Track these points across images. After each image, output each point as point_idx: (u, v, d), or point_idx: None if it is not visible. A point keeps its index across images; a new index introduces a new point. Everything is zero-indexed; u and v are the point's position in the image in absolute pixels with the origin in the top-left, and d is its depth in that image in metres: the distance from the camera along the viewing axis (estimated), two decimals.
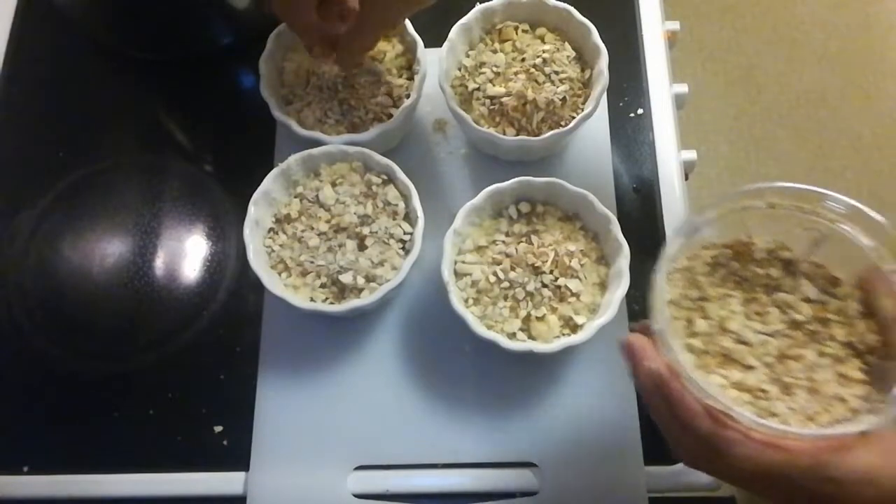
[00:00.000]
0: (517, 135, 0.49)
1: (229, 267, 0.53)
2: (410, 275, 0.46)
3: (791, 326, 0.35)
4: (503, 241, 0.47)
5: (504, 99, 0.50)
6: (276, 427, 0.48)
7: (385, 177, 0.49)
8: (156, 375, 0.50)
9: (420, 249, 0.46)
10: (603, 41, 0.50)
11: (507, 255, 0.46)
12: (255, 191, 0.48)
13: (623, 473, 0.45)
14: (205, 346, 0.51)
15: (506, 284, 0.45)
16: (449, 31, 0.51)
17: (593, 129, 0.54)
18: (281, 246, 0.48)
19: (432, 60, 0.51)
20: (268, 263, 0.47)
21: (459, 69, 0.53)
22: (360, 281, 0.46)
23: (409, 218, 0.48)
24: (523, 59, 0.51)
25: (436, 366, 0.49)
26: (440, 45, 0.51)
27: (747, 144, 1.33)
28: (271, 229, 0.49)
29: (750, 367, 0.34)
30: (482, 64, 0.52)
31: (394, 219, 0.48)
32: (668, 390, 0.33)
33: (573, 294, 0.45)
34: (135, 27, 0.60)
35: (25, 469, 0.48)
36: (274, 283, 0.46)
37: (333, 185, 0.49)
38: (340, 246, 0.47)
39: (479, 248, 0.47)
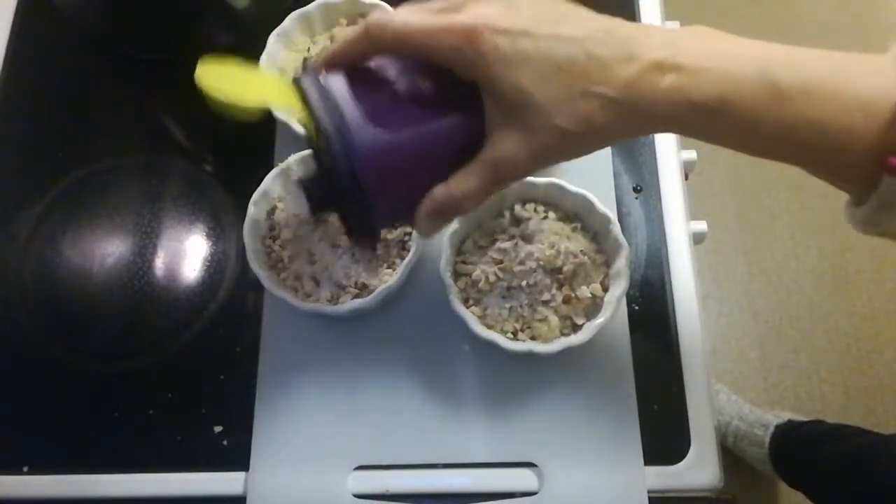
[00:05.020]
0: None
1: (229, 267, 0.53)
2: (410, 275, 0.46)
3: None
4: (503, 241, 0.47)
5: None
6: (276, 427, 0.48)
7: None
8: (156, 375, 0.50)
9: (420, 250, 0.46)
10: None
11: (508, 255, 0.46)
12: (255, 191, 0.48)
13: (623, 473, 0.45)
14: (205, 346, 0.51)
15: (506, 284, 0.45)
16: None
17: None
18: (281, 246, 0.48)
19: None
20: (268, 263, 0.47)
21: None
22: (360, 281, 0.46)
23: None
24: None
25: (436, 366, 0.49)
26: None
27: None
28: (271, 229, 0.49)
29: None
30: None
31: None
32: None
33: (573, 294, 0.45)
34: (135, 27, 0.60)
35: (25, 469, 0.48)
36: (274, 283, 0.46)
37: None
38: (340, 246, 0.47)
39: (479, 248, 0.47)
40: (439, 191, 0.35)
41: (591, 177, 0.53)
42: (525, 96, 0.31)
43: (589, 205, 0.46)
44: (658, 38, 0.31)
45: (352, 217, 0.37)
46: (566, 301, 0.45)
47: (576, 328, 0.45)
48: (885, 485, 0.74)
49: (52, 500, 0.48)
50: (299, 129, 0.49)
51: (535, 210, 0.48)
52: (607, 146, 0.34)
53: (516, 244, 0.46)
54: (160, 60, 0.60)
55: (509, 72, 0.31)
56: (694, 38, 0.31)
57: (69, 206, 0.55)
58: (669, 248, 0.52)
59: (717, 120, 0.31)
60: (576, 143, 0.33)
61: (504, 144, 0.33)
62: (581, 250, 0.46)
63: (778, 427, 1.03)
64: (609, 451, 0.46)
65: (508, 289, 0.45)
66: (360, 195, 0.34)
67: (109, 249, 0.53)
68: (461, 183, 0.34)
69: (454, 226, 0.46)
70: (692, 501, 0.47)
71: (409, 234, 0.47)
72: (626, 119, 0.31)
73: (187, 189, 0.56)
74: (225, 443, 0.48)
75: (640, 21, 0.58)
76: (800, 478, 0.96)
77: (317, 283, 0.47)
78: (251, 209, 0.47)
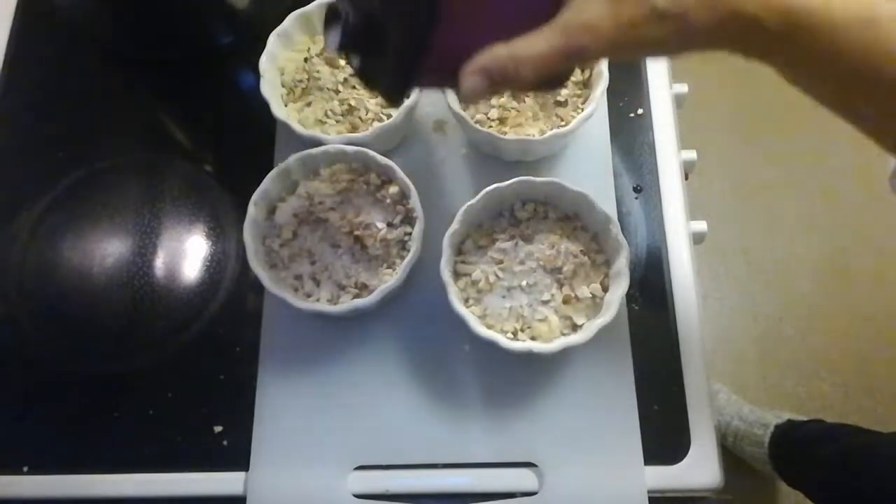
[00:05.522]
0: (517, 135, 0.49)
1: (229, 267, 0.53)
2: (410, 275, 0.46)
3: None
4: (503, 241, 0.47)
5: (503, 99, 0.50)
6: (276, 427, 0.48)
7: (385, 177, 0.49)
8: (156, 375, 0.50)
9: (420, 249, 0.46)
10: None
11: (508, 255, 0.46)
12: (255, 191, 0.48)
13: (623, 473, 0.45)
14: (205, 346, 0.51)
15: (506, 284, 0.45)
16: None
17: (593, 129, 0.54)
18: (281, 246, 0.48)
19: None
20: (268, 263, 0.47)
21: None
22: (360, 281, 0.46)
23: (409, 218, 0.48)
24: None
25: (436, 366, 0.49)
26: None
27: (747, 144, 1.33)
28: (271, 229, 0.49)
29: None
30: None
31: (393, 219, 0.48)
32: None
33: (573, 294, 0.45)
34: (135, 27, 0.60)
35: (25, 469, 0.48)
36: (274, 283, 0.46)
37: (333, 185, 0.49)
38: (340, 246, 0.47)
39: (479, 248, 0.47)
40: (501, 48, 0.32)
41: (591, 177, 0.53)
42: None
43: (589, 204, 0.46)
44: None
45: (389, 57, 0.33)
46: (566, 301, 0.45)
47: (576, 328, 0.45)
48: (884, 484, 0.74)
49: (52, 500, 0.48)
50: (299, 129, 0.49)
51: (535, 210, 0.48)
52: (684, 51, 0.32)
53: (516, 244, 0.46)
54: (160, 60, 0.60)
55: None
56: None
57: (69, 206, 0.55)
58: (669, 248, 0.52)
59: (800, 35, 0.30)
60: (661, 29, 0.30)
61: (589, 8, 0.31)
62: (581, 250, 0.46)
63: (778, 427, 1.03)
64: (609, 451, 0.46)
65: (508, 289, 0.45)
66: (414, 20, 0.30)
67: (109, 249, 0.53)
68: (528, 43, 0.31)
69: (454, 226, 0.46)
70: (692, 501, 0.47)
71: (409, 234, 0.47)
72: (715, 13, 0.30)
73: (187, 189, 0.56)
74: (225, 443, 0.48)
75: None
76: (799, 477, 0.96)
77: (317, 283, 0.47)
78: (251, 209, 0.47)
